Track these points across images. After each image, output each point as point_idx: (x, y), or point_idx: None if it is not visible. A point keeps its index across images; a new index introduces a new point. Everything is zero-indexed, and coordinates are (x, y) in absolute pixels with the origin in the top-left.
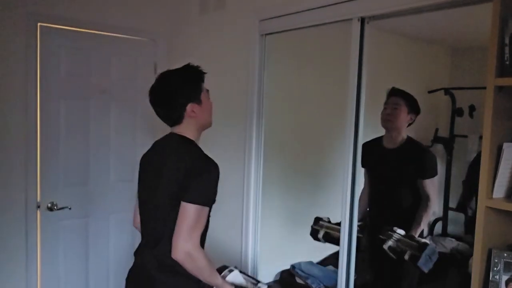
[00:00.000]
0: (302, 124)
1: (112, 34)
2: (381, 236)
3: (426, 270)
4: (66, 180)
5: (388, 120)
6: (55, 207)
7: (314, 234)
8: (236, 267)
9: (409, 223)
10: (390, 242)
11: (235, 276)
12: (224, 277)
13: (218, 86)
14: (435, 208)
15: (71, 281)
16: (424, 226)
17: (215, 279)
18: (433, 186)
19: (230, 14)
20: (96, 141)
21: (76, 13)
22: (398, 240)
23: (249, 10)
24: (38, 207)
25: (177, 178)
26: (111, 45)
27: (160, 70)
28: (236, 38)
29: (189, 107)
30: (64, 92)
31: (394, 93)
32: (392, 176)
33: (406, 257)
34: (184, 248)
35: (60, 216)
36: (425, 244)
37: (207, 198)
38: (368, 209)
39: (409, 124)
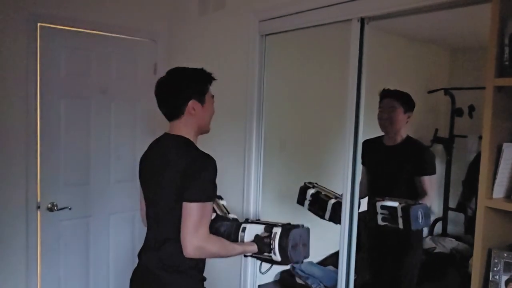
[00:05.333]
0: (303, 124)
1: (112, 34)
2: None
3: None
4: (66, 180)
5: (386, 125)
6: (55, 208)
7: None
8: (248, 220)
9: None
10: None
11: (250, 230)
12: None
13: (219, 86)
14: (432, 205)
15: (71, 281)
16: None
17: (234, 250)
18: (431, 184)
19: (230, 15)
20: (96, 141)
21: (76, 13)
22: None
23: (249, 10)
24: (38, 207)
25: (177, 179)
26: (111, 45)
27: (160, 70)
28: (236, 39)
29: (191, 103)
30: (64, 92)
31: (386, 94)
32: (391, 172)
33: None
34: (193, 244)
35: (60, 217)
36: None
37: (207, 194)
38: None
39: (407, 122)
